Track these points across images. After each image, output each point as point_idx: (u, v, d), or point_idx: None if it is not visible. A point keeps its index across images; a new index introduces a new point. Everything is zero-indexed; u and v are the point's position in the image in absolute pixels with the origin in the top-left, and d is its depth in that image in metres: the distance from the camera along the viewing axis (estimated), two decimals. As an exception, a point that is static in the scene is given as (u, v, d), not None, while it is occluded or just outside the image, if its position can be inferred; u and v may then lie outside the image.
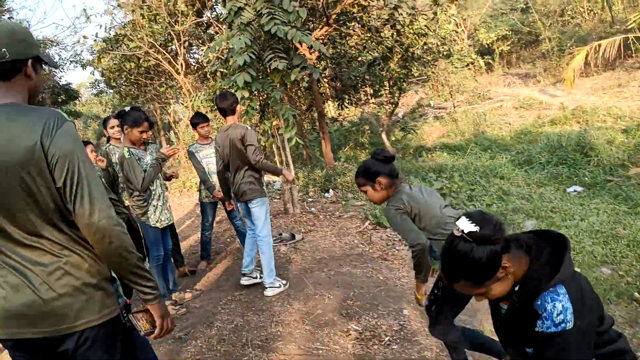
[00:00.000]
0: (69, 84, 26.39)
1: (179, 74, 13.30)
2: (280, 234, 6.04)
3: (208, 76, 12.82)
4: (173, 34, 12.69)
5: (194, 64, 15.11)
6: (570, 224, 5.84)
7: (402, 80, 12.85)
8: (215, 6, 12.98)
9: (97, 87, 27.63)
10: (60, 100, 26.82)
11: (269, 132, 7.56)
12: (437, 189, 6.76)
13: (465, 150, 14.37)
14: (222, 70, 8.72)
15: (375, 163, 2.72)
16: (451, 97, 20.59)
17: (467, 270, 1.51)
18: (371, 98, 14.66)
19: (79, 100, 33.71)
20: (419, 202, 2.64)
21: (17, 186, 1.52)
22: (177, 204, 10.91)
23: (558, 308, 1.44)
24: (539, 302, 1.48)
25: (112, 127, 5.10)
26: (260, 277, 4.53)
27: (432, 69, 14.56)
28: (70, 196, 1.55)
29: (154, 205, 4.04)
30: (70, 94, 26.95)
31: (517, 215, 6.25)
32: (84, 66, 20.72)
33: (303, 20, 7.02)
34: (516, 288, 1.57)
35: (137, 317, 1.76)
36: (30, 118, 1.53)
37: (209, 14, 12.70)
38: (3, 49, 1.56)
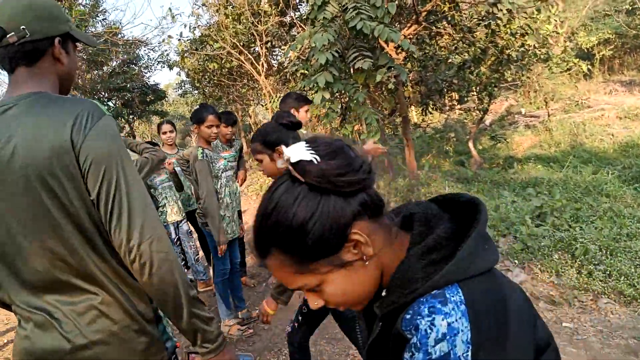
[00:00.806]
0: (157, 84, 27.37)
1: (260, 75, 13.14)
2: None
3: (288, 77, 12.56)
4: (256, 35, 12.56)
5: (275, 66, 14.99)
6: None
7: (493, 85, 11.96)
8: (299, 6, 12.73)
9: (183, 87, 28.49)
10: (148, 100, 27.94)
11: (350, 137, 7.07)
12: (536, 207, 5.96)
13: (562, 163, 13.17)
14: (302, 71, 8.36)
15: (277, 128, 2.23)
16: (545, 105, 19.16)
17: (282, 234, 0.83)
18: (457, 104, 13.84)
19: (166, 100, 35.10)
20: None
21: (44, 197, 1.19)
22: (253, 208, 10.68)
23: (439, 328, 0.77)
24: (407, 317, 0.81)
25: (164, 133, 4.95)
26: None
27: (526, 73, 13.48)
28: (106, 213, 1.21)
29: (221, 216, 3.65)
30: (158, 94, 27.99)
31: (633, 241, 5.33)
32: (170, 67, 21.32)
33: (391, 16, 6.49)
34: (384, 292, 0.91)
35: None
36: (59, 110, 1.23)
37: (292, 14, 12.45)
38: (22, 27, 1.27)
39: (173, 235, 4.80)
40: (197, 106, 3.66)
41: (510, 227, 5.63)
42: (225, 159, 3.69)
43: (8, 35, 1.27)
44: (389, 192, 9.34)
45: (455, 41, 10.40)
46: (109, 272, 1.28)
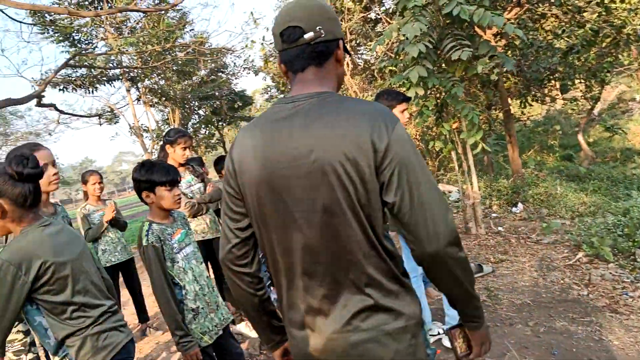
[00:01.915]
0: (244, 90, 27.84)
1: (345, 75, 12.66)
2: (464, 264, 4.83)
3: (375, 75, 12.00)
4: (340, 33, 12.08)
5: (361, 64, 14.48)
6: None
7: (605, 70, 10.65)
8: (384, 0, 12.12)
9: (269, 92, 28.73)
10: (236, 106, 28.47)
11: (448, 136, 6.38)
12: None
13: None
14: (391, 67, 7.76)
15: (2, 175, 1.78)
16: (665, 89, 17.10)
17: None
18: (560, 94, 12.55)
19: (254, 106, 35.74)
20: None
21: (338, 193, 1.22)
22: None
23: None
24: None
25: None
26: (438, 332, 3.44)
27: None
28: (405, 216, 1.22)
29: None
30: (245, 100, 28.45)
31: None
32: (256, 72, 21.49)
33: (490, -1, 5.75)
34: None
35: (455, 336, 1.49)
36: (357, 111, 1.24)
37: (377, 9, 11.86)
38: (318, 27, 1.31)
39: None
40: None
41: (650, 237, 4.70)
42: None
43: (306, 35, 1.30)
44: (490, 195, 8.48)
45: (562, 24, 9.30)
46: (383, 272, 1.28)
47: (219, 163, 4.48)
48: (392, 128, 1.22)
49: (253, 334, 4.09)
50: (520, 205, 7.82)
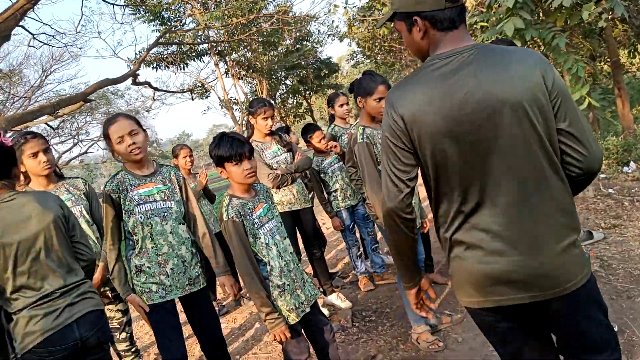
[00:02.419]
0: (329, 57, 27.66)
1: (433, 33, 12.10)
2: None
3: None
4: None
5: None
6: None
7: None
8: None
9: (355, 58, 28.33)
10: (322, 74, 28.41)
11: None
12: None
13: None
14: (482, 23, 7.25)
15: None
16: None
17: None
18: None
19: (340, 73, 35.49)
20: None
21: (526, 128, 1.40)
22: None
23: None
24: None
25: (341, 106, 4.46)
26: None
27: None
28: (579, 136, 1.43)
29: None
30: (331, 67, 28.31)
31: None
32: (340, 39, 21.21)
33: None
34: None
35: None
36: (523, 56, 1.45)
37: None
38: None
39: (348, 222, 4.31)
40: (362, 74, 3.06)
41: None
42: None
43: None
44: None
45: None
46: (565, 194, 1.46)
47: (307, 131, 4.38)
48: (551, 68, 1.43)
49: (345, 304, 4.04)
50: (632, 164, 7.13)
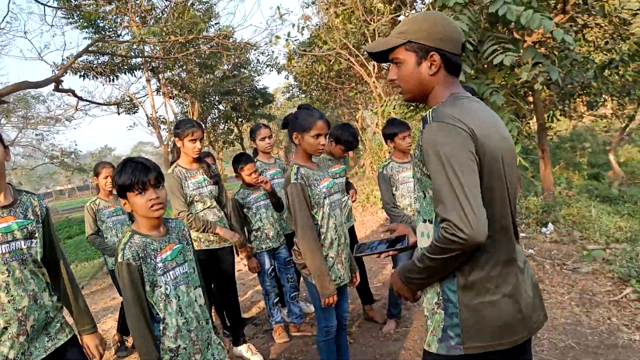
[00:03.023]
0: (265, 88, 27.51)
1: (370, 77, 12.23)
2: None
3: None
4: (367, 34, 11.67)
5: (388, 68, 14.04)
6: None
7: (643, 87, 10.07)
8: (415, 2, 11.63)
9: (290, 91, 28.32)
10: (256, 103, 28.14)
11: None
12: None
13: None
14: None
15: None
16: None
17: None
18: (589, 109, 11.95)
19: (274, 104, 35.35)
20: None
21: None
22: (359, 222, 9.75)
23: None
24: None
25: (262, 139, 4.15)
26: None
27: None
28: None
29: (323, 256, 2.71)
30: (266, 97, 28.13)
31: None
32: (279, 70, 21.09)
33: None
34: None
35: None
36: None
37: (408, 11, 11.38)
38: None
39: (267, 265, 3.95)
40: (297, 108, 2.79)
41: None
42: (332, 177, 2.77)
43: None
44: (519, 213, 7.96)
45: (605, 35, 8.75)
46: None
47: (238, 162, 3.99)
48: None
49: (255, 357, 3.66)
50: (550, 225, 7.30)
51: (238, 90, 25.63)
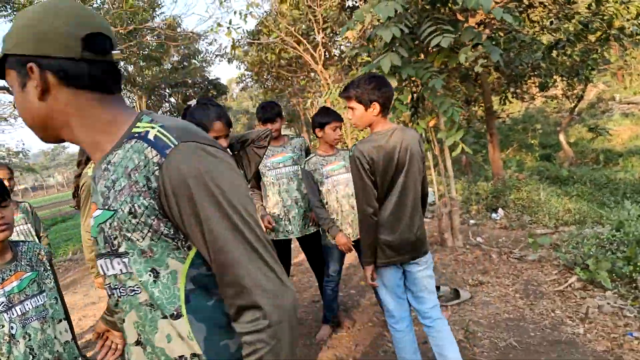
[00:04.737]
0: (218, 78, 26.85)
1: (317, 64, 11.89)
2: (438, 288, 4.09)
3: (346, 63, 11.27)
4: (314, 21, 11.30)
5: (337, 55, 13.70)
6: None
7: (590, 68, 10.08)
8: (361, -14, 11.32)
9: (244, 81, 27.77)
10: (210, 95, 27.45)
11: (425, 135, 5.65)
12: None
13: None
14: (365, 58, 7.01)
15: None
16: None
17: None
18: (539, 91, 11.99)
19: (229, 95, 34.61)
20: None
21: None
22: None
23: None
24: None
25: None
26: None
27: (634, 52, 11.43)
28: None
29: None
30: (220, 88, 27.46)
31: None
32: (229, 60, 20.50)
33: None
34: None
35: None
36: None
37: (355, -5, 11.06)
38: None
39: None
40: (194, 102, 2.44)
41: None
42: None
43: None
44: (468, 199, 7.81)
45: (550, 15, 8.64)
46: None
47: None
48: None
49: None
50: (500, 211, 7.17)
51: (189, 82, 24.88)
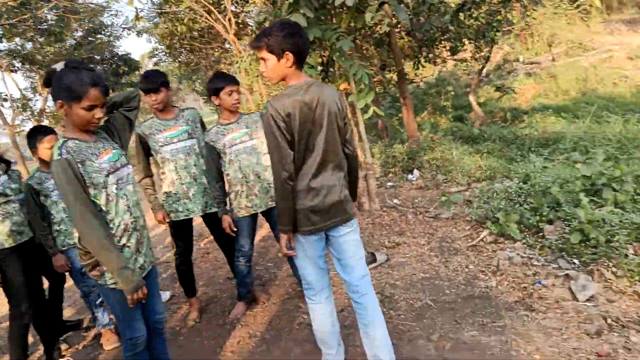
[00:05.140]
0: (128, 54, 25.41)
1: (229, 33, 11.45)
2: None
3: (257, 30, 10.92)
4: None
5: (250, 24, 13.28)
6: None
7: (495, 29, 10.39)
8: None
9: (157, 56, 26.46)
10: (121, 71, 25.98)
11: (335, 99, 5.53)
12: (585, 177, 4.49)
13: (574, 113, 11.71)
14: (271, 19, 6.75)
15: None
16: (549, 49, 17.52)
17: None
18: (450, 54, 12.26)
19: (142, 71, 32.93)
20: None
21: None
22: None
23: None
24: None
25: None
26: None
27: (532, 14, 11.87)
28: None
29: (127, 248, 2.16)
30: (130, 64, 26.02)
31: None
32: (138, 33, 19.43)
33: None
34: None
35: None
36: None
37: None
38: None
39: (78, 263, 3.26)
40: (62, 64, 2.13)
41: (557, 209, 4.18)
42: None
43: None
44: (386, 162, 7.86)
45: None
46: None
47: (34, 136, 3.22)
48: None
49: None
50: (416, 172, 7.27)
51: (97, 58, 23.37)
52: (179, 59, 20.36)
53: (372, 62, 10.74)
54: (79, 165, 2.00)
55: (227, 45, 16.03)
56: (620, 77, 14.14)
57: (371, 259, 3.93)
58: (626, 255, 3.40)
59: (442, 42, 10.96)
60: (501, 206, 4.48)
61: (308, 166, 2.25)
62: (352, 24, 5.15)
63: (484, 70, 18.53)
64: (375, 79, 11.27)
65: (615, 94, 12.82)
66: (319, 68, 5.81)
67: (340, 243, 2.39)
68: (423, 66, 12.26)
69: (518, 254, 3.80)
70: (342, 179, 2.35)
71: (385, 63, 10.95)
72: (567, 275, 3.42)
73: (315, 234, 2.33)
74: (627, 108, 11.13)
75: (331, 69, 6.00)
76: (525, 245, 3.89)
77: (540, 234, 3.99)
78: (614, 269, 3.36)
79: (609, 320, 2.87)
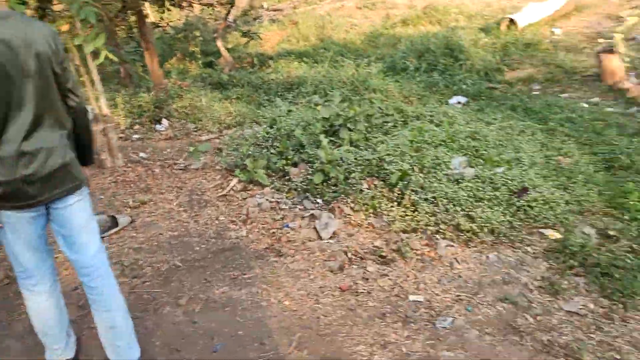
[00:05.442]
0: None
1: None
2: (92, 218, 3.54)
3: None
4: None
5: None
6: (508, 157, 4.27)
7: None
8: None
9: None
10: None
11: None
12: (325, 118, 4.70)
13: (314, 58, 12.43)
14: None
15: None
16: (289, -5, 18.15)
17: None
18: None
19: None
20: None
21: None
22: None
23: None
24: None
25: None
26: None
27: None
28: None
29: None
30: None
31: (438, 148, 4.47)
32: None
33: None
34: None
35: None
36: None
37: None
38: None
39: None
40: None
41: (301, 151, 4.30)
42: None
43: None
44: (131, 112, 7.22)
45: None
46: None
47: None
48: None
49: None
50: (165, 121, 6.83)
51: None
52: None
53: (110, 2, 9.64)
54: None
55: None
56: (351, 25, 15.42)
57: (112, 223, 3.51)
58: (361, 191, 3.65)
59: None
60: (249, 152, 4.44)
61: (16, 126, 1.72)
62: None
63: (231, 16, 18.43)
64: (117, 21, 10.21)
65: (347, 40, 13.96)
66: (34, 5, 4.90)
67: (66, 216, 1.93)
68: (169, 9, 11.53)
69: (267, 200, 3.80)
70: (66, 137, 1.88)
71: (126, 4, 9.95)
72: (312, 215, 3.54)
73: (32, 209, 1.85)
74: (358, 53, 12.23)
75: (50, 6, 5.11)
76: (273, 190, 3.92)
77: (287, 177, 4.06)
78: (352, 205, 3.59)
79: (349, 255, 3.04)
